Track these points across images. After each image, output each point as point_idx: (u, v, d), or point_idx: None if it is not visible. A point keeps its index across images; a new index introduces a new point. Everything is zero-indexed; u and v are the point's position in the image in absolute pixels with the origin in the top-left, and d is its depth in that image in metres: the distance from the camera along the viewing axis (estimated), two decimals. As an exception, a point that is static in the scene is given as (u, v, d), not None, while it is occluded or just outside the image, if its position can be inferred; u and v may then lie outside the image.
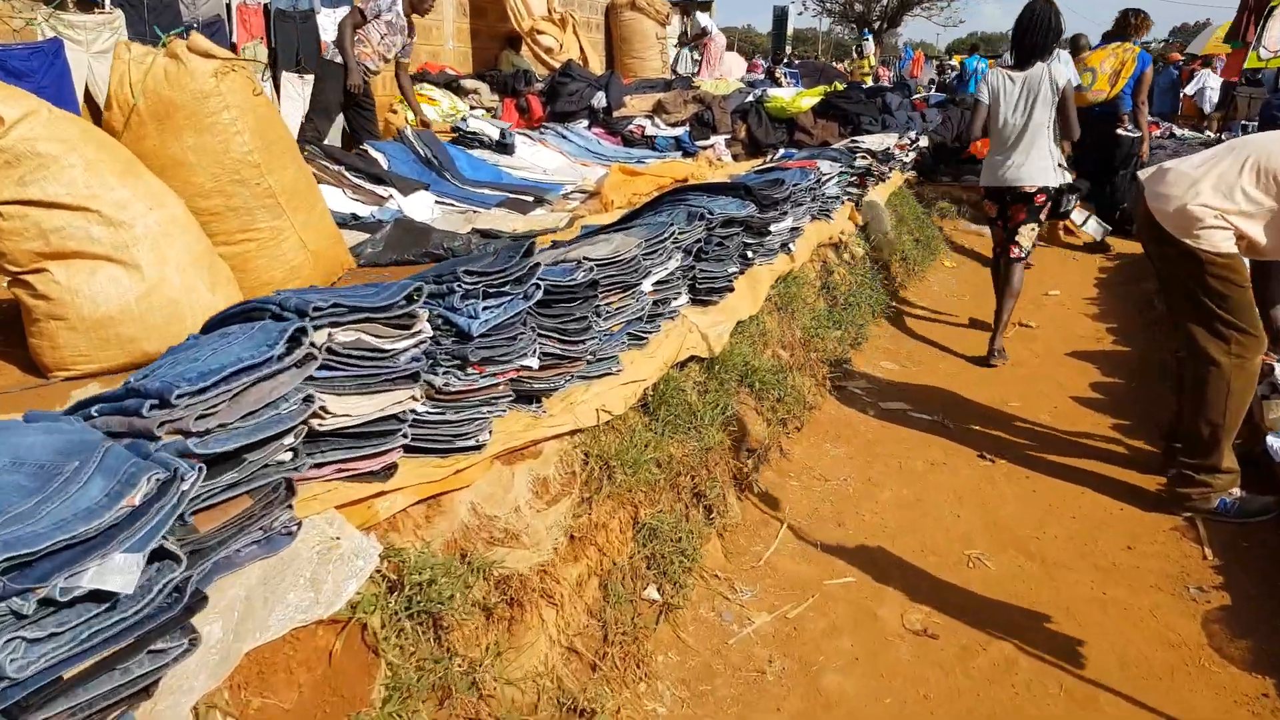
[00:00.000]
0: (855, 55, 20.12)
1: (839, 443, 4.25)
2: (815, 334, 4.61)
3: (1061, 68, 4.99)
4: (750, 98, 9.36)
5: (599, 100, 9.46)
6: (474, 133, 6.72)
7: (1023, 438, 4.32)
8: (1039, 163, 4.81)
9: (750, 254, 4.20)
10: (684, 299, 3.58)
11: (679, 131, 9.30)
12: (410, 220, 4.68)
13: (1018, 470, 3.99)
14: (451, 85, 9.53)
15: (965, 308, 6.38)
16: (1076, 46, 9.34)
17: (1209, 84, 16.04)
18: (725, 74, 21.73)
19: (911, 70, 21.44)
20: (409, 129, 5.99)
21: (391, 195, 5.13)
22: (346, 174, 5.08)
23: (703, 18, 17.00)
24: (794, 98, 9.07)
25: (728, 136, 9.14)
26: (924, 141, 8.58)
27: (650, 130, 9.35)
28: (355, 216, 4.62)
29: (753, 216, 4.13)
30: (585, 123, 9.52)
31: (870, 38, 22.07)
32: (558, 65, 10.70)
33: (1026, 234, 5.00)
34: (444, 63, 10.31)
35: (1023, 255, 5.11)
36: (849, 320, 5.08)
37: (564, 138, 8.36)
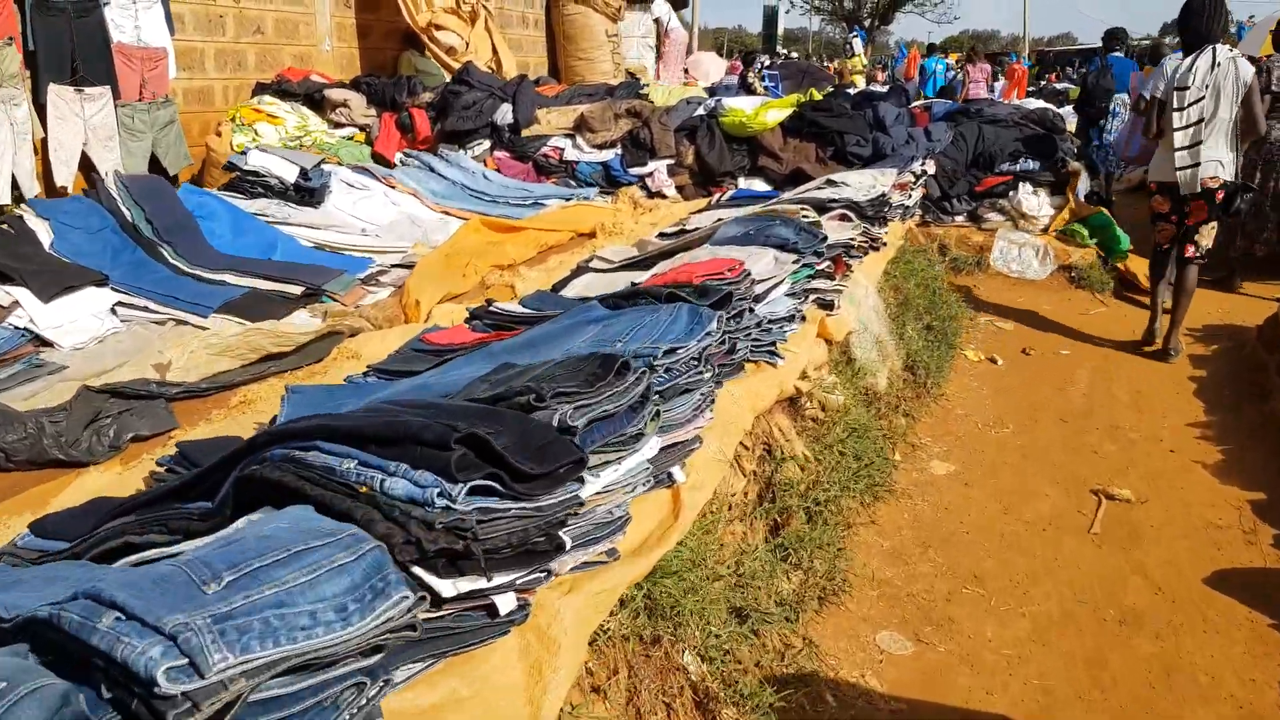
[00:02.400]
0: (846, 54, 17.90)
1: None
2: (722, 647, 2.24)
3: (1246, 63, 4.71)
4: (701, 110, 7.13)
5: (504, 115, 7.24)
6: (255, 172, 4.49)
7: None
8: (1223, 156, 4.70)
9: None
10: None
11: (608, 155, 7.07)
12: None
13: None
14: (313, 96, 7.31)
15: (1009, 449, 4.11)
16: (1157, 55, 7.98)
17: None
18: (701, 77, 19.55)
19: (907, 71, 19.26)
20: (111, 176, 3.74)
21: (17, 304, 2.92)
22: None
23: (659, 7, 14.76)
24: (756, 110, 6.85)
25: (670, 161, 6.93)
26: (930, 168, 6.42)
27: (571, 154, 7.13)
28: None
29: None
30: (486, 144, 7.30)
31: (861, 34, 19.84)
32: (467, 69, 8.47)
33: (1207, 233, 4.89)
34: (316, 68, 8.08)
35: (1200, 256, 4.99)
36: (808, 568, 2.78)
37: (434, 171, 6.14)
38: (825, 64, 21.29)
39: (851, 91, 9.68)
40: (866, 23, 40.44)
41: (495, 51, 8.57)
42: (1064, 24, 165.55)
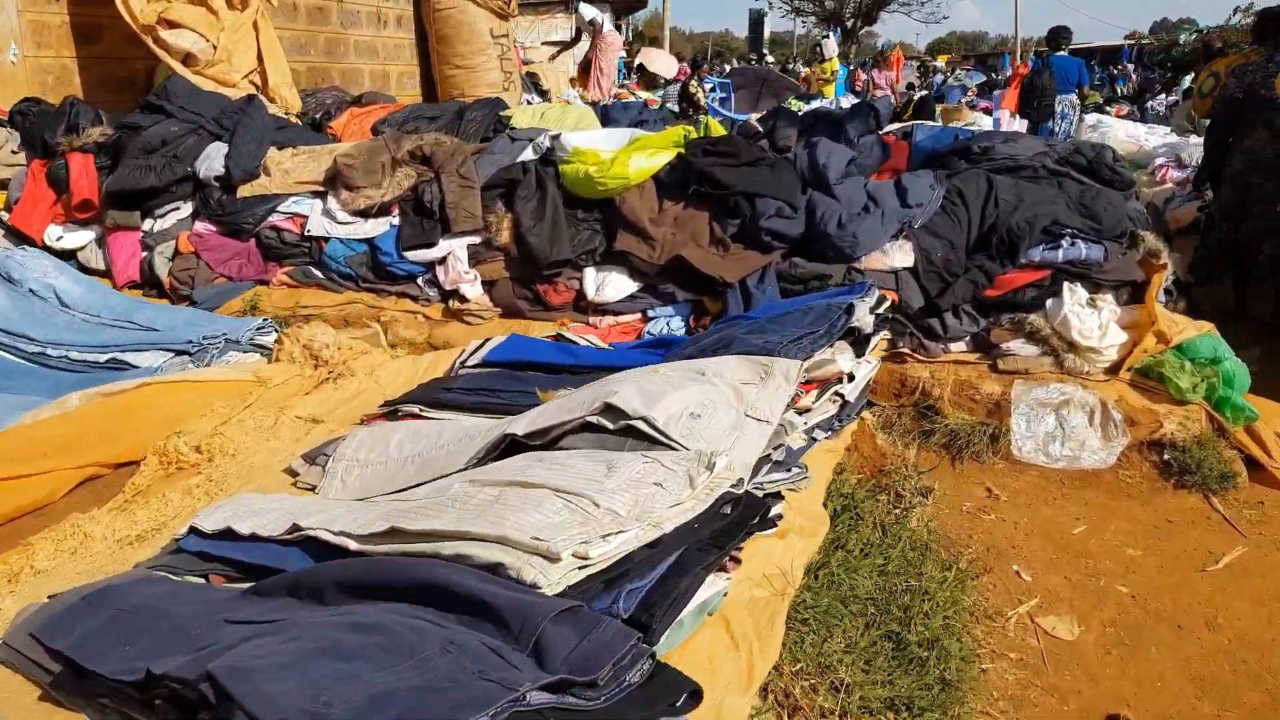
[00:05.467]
0: (816, 58, 15.12)
1: None
2: None
3: None
4: (528, 152, 4.35)
5: (209, 162, 4.45)
6: None
7: None
8: None
9: None
10: None
11: (378, 229, 4.31)
12: None
13: None
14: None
15: None
16: (1210, 53, 7.21)
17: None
18: (658, 78, 16.86)
19: (871, 81, 16.41)
20: None
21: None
22: None
23: (588, 9, 11.98)
24: (616, 156, 4.08)
25: (475, 240, 4.16)
26: (903, 258, 3.64)
27: (318, 225, 4.36)
28: None
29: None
30: (185, 210, 4.52)
31: (832, 36, 17.04)
32: (226, 83, 5.70)
33: None
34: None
35: None
36: None
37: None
38: (805, 68, 18.42)
39: (805, 109, 6.96)
40: (849, 23, 37.77)
41: (261, 61, 5.77)
42: (1055, 22, 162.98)
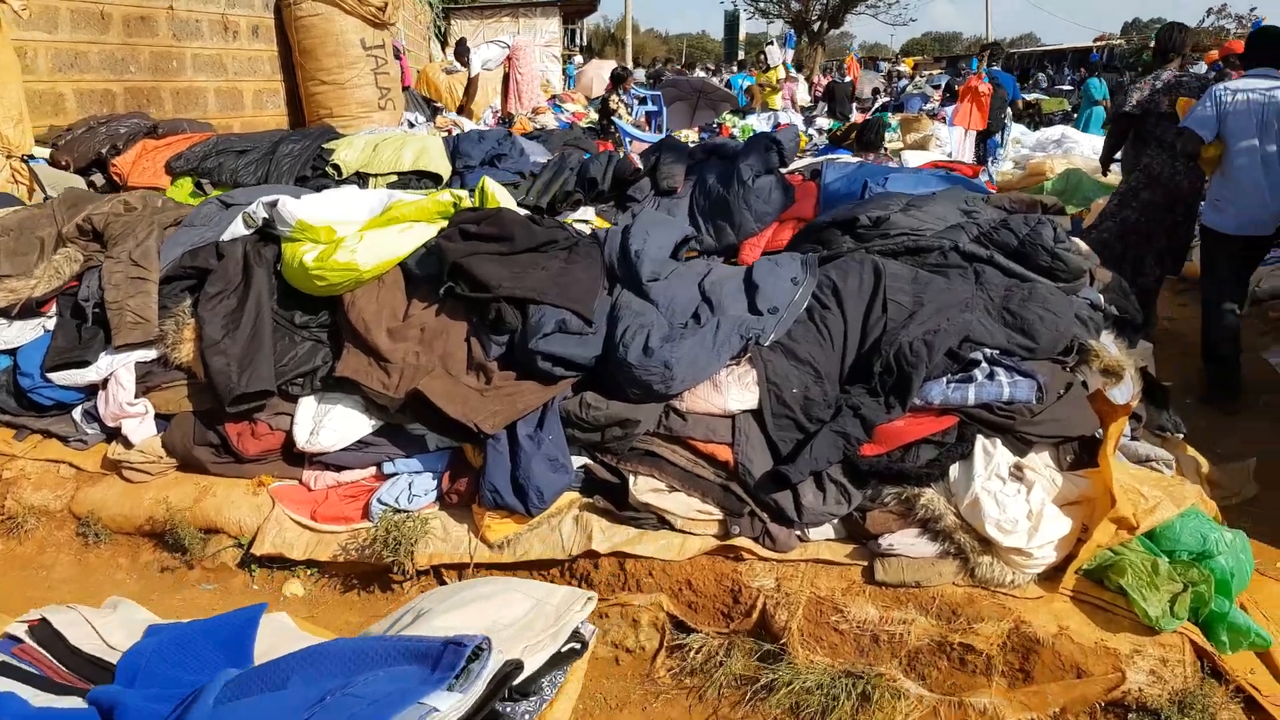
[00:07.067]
0: (760, 65, 13.83)
1: None
2: None
3: None
4: (237, 225, 3.09)
5: None
6: None
7: None
8: None
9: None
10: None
11: (24, 334, 3.05)
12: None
13: None
14: None
15: None
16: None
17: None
18: (585, 90, 15.68)
19: (810, 87, 15.09)
20: None
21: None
22: None
23: (482, 51, 10.59)
24: (350, 235, 2.83)
25: (149, 356, 2.91)
26: (744, 400, 2.41)
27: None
28: None
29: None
30: None
31: (790, 40, 15.78)
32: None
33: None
34: None
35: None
36: None
37: None
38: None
39: (699, 139, 5.70)
40: (816, 25, 36.55)
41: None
42: (1027, 24, 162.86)
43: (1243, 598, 2.46)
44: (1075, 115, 13.71)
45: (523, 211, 3.16)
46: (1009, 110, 10.04)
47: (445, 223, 2.86)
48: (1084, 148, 9.91)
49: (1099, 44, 23.39)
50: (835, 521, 2.42)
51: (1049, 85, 20.53)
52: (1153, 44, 5.72)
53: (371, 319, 2.72)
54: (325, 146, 5.11)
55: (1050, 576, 2.30)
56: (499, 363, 2.62)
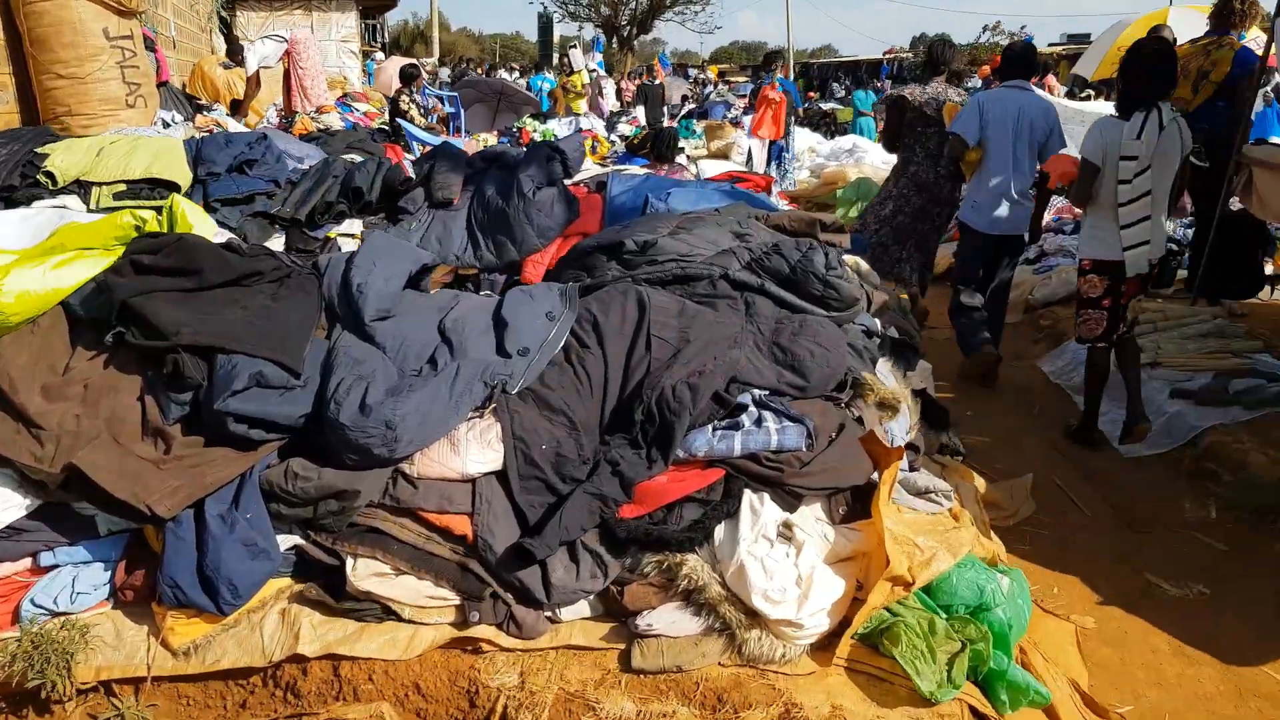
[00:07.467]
0: (564, 70, 13.53)
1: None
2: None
3: (1185, 124, 3.86)
4: None
5: None
6: None
7: None
8: (1162, 232, 4.01)
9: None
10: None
11: None
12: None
13: None
14: None
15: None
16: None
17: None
18: (383, 89, 14.79)
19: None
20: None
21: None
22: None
23: (256, 49, 9.62)
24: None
25: None
26: (491, 458, 2.06)
27: None
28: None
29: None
30: None
31: (580, 45, 15.56)
32: None
33: (1134, 305, 4.21)
34: None
35: (1129, 329, 4.16)
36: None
37: None
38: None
39: (499, 143, 5.30)
40: (625, 30, 36.81)
41: None
42: (825, 35, 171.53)
43: (1023, 641, 2.35)
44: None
45: (243, 233, 2.67)
46: (794, 117, 10.34)
47: (101, 259, 2.33)
48: (874, 156, 10.23)
49: (889, 56, 24.70)
50: (591, 599, 2.10)
51: (845, 95, 21.45)
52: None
53: (20, 374, 2.17)
54: (39, 150, 4.36)
55: (825, 644, 2.08)
56: (183, 426, 2.13)
